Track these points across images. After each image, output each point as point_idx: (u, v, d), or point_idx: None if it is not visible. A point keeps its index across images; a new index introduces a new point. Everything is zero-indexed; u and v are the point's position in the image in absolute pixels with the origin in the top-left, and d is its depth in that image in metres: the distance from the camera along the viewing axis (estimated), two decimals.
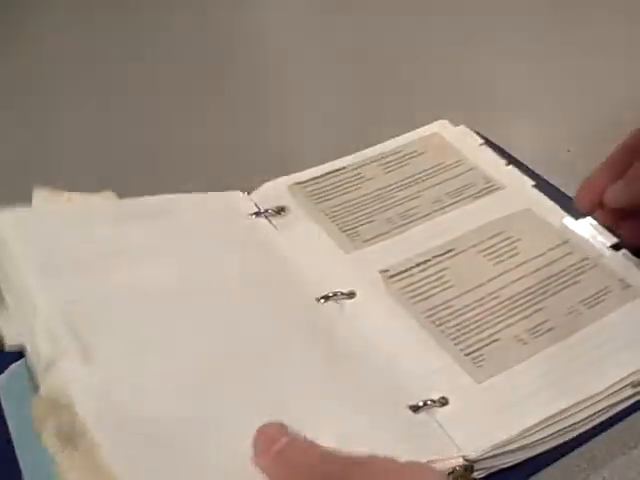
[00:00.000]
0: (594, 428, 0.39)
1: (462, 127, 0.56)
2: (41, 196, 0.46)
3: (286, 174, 0.53)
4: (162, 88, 0.69)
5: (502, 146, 0.56)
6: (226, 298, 0.42)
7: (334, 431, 0.34)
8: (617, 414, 0.39)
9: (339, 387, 0.38)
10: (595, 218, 0.47)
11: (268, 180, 0.53)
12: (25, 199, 0.58)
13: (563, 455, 0.38)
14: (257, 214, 0.49)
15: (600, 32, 0.70)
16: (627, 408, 0.39)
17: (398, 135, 0.56)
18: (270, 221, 0.49)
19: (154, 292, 0.40)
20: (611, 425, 0.39)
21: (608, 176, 0.46)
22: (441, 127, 0.56)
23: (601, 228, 0.47)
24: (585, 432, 0.39)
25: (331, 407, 0.37)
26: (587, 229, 0.47)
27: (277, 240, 0.47)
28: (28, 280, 0.40)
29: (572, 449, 0.39)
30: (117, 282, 0.40)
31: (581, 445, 0.39)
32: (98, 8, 0.80)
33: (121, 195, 0.57)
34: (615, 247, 0.46)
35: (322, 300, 0.43)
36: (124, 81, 0.70)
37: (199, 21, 0.78)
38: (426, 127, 0.56)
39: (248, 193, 0.51)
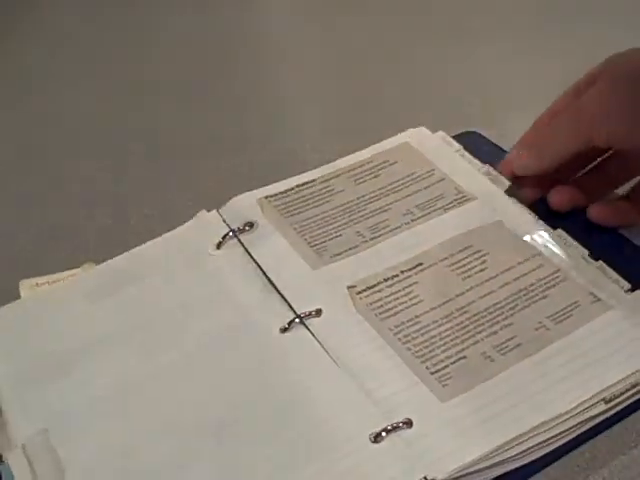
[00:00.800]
0: (594, 428, 0.39)
1: (440, 133, 0.55)
2: (27, 285, 0.48)
3: (285, 174, 0.53)
4: (162, 88, 0.69)
5: (502, 146, 0.56)
6: (190, 377, 0.42)
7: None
8: (617, 414, 0.39)
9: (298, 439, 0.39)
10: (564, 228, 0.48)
11: (267, 181, 0.53)
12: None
13: (563, 455, 0.38)
14: (224, 238, 0.49)
15: (600, 32, 0.70)
16: (627, 408, 0.39)
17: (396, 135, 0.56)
18: (239, 239, 0.49)
19: (124, 387, 0.42)
20: (611, 425, 0.39)
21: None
22: (416, 135, 0.56)
23: (572, 239, 0.46)
24: (585, 432, 0.38)
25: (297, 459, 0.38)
26: (559, 240, 0.46)
27: (239, 279, 0.47)
28: (4, 395, 0.42)
29: (572, 449, 0.39)
30: (90, 381, 0.42)
31: (581, 445, 0.39)
32: (99, 8, 0.81)
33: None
34: (591, 258, 0.45)
35: (286, 331, 0.43)
36: (124, 82, 0.70)
37: (199, 21, 0.78)
38: (400, 135, 0.56)
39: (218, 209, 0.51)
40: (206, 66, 0.71)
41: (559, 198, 0.49)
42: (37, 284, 0.48)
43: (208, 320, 0.45)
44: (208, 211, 0.51)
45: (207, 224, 0.50)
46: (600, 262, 0.45)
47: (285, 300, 0.45)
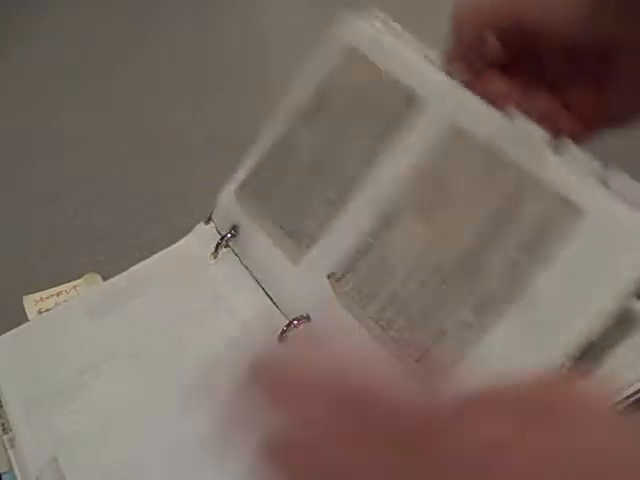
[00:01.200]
0: None
1: (374, 12, 0.50)
2: (31, 300, 0.49)
3: None
4: (163, 88, 0.69)
5: None
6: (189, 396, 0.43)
7: None
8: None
9: None
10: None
11: None
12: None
13: None
14: (218, 246, 0.48)
15: None
16: (627, 407, 0.39)
17: None
18: (230, 246, 0.48)
19: (126, 409, 0.43)
20: None
21: None
22: (349, 28, 0.51)
23: (537, 127, 0.38)
24: None
25: None
26: (522, 131, 0.38)
27: (234, 287, 0.47)
28: (15, 418, 0.43)
29: None
30: (93, 403, 0.43)
31: None
32: (99, 9, 0.81)
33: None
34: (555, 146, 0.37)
35: (282, 336, 0.43)
36: (124, 82, 0.70)
37: (199, 21, 0.78)
38: (334, 32, 0.51)
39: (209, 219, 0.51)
40: (206, 66, 0.71)
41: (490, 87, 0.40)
42: (41, 298, 0.48)
43: (207, 335, 0.45)
44: (206, 224, 0.51)
45: (204, 235, 0.50)
46: (570, 145, 0.37)
47: (277, 306, 0.45)
